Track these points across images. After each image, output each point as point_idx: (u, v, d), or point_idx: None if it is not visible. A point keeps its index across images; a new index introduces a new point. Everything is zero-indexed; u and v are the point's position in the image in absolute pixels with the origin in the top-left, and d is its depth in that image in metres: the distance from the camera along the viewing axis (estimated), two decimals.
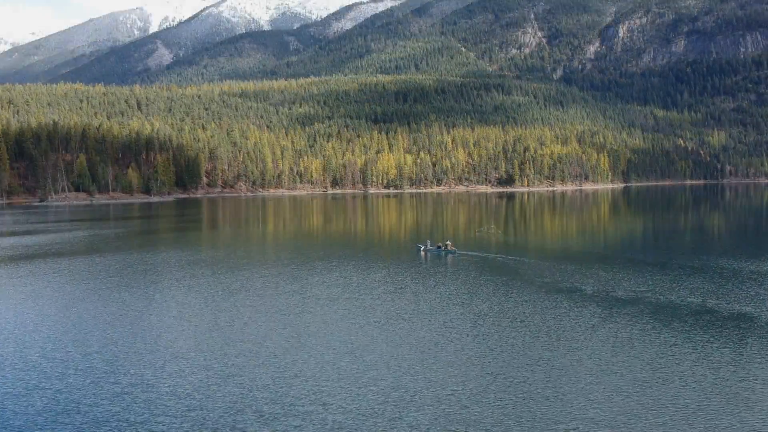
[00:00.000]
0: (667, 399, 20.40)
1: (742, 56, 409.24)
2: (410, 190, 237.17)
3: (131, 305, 34.95)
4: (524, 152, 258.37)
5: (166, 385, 22.08)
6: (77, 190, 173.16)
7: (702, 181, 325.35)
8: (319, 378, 22.55)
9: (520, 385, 21.62)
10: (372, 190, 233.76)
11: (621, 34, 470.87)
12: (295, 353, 25.53)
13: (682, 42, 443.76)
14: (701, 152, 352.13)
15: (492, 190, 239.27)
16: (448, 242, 56.05)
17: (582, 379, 22.11)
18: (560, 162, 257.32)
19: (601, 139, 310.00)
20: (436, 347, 25.96)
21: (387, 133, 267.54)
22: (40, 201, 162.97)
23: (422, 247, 56.20)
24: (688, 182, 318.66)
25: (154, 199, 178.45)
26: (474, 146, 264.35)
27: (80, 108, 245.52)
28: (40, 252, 57.50)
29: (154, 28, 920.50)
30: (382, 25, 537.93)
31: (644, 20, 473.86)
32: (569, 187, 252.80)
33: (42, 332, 29.59)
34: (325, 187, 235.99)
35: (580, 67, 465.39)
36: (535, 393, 20.92)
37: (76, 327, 30.45)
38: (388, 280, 40.86)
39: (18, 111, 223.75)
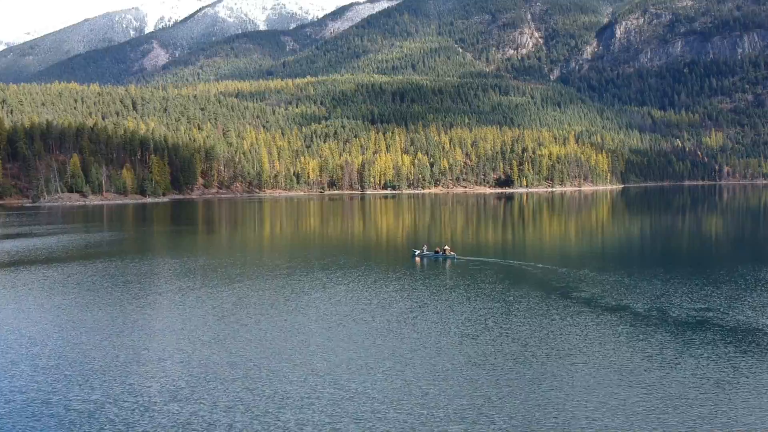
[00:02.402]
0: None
1: (739, 57, 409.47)
2: (408, 191, 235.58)
3: (105, 327, 29.59)
4: (522, 153, 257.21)
5: None
6: (70, 191, 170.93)
7: (700, 182, 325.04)
8: (320, 411, 20.63)
9: (542, 411, 19.92)
10: (369, 191, 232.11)
11: (618, 35, 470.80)
12: (295, 388, 21.64)
13: (679, 43, 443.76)
14: (699, 153, 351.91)
15: (490, 191, 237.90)
16: (446, 247, 53.34)
17: (609, 399, 20.48)
18: (559, 163, 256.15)
19: (599, 140, 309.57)
20: (447, 377, 23.72)
21: (384, 134, 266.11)
22: (33, 202, 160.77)
23: (418, 253, 53.67)
24: (686, 183, 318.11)
25: (149, 200, 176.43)
26: (472, 146, 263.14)
27: (75, 108, 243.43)
28: (14, 260, 52.96)
29: (149, 28, 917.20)
30: (378, 26, 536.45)
31: (641, 21, 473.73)
32: (568, 188, 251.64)
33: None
34: (322, 188, 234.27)
35: (577, 67, 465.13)
36: (555, 414, 19.26)
37: (39, 351, 25.98)
38: (387, 296, 37.34)
39: (12, 111, 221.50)
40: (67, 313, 33.08)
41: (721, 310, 32.32)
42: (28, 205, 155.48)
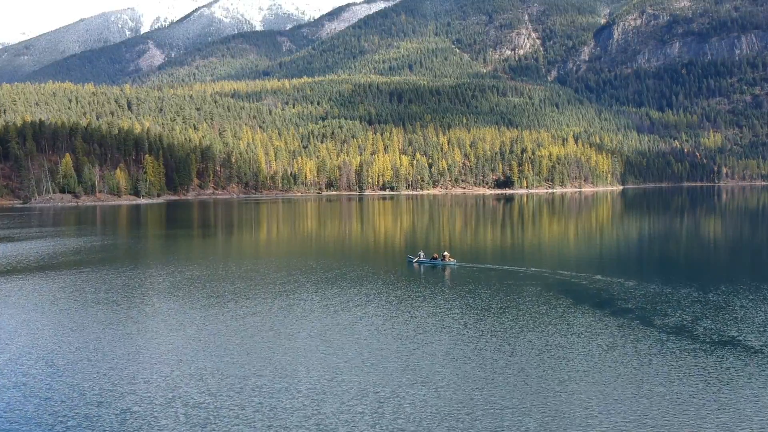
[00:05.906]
0: None
1: (737, 58, 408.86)
2: (406, 192, 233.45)
3: (69, 361, 24.88)
4: (522, 153, 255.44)
5: None
6: (63, 191, 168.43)
7: (698, 183, 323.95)
8: None
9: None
10: (368, 192, 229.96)
11: (615, 36, 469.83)
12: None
13: (677, 43, 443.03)
14: (697, 154, 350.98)
15: (490, 192, 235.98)
16: (445, 253, 50.62)
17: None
18: (559, 163, 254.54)
19: (598, 141, 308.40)
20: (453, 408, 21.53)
21: (382, 135, 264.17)
22: (24, 203, 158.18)
23: (415, 260, 50.99)
24: (685, 184, 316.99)
25: (143, 201, 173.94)
26: (470, 147, 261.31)
27: (69, 108, 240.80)
28: None
29: (145, 29, 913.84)
30: (375, 26, 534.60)
31: (639, 21, 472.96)
32: (568, 189, 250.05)
33: None
34: (320, 189, 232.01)
35: (574, 68, 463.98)
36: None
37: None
38: (386, 309, 33.99)
39: (5, 110, 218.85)
40: (27, 338, 28.23)
41: (721, 314, 30.46)
42: (18, 206, 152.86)
